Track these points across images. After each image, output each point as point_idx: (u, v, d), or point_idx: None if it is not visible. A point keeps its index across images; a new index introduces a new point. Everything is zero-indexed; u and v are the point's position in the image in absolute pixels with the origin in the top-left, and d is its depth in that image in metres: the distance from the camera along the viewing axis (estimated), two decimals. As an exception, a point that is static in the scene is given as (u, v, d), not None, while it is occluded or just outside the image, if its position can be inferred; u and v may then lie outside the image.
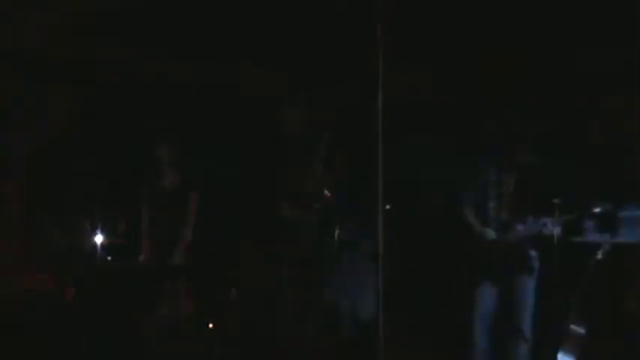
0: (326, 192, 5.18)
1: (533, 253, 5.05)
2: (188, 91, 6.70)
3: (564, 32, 5.76)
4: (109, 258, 5.56)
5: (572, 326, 5.27)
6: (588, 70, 6.11)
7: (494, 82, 6.63)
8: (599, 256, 5.25)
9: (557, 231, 4.45)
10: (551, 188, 4.43)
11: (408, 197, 6.85)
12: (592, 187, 4.66)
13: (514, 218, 5.01)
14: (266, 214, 5.29)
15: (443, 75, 6.91)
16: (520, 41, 5.95)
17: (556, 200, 4.39)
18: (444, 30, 5.76)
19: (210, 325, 5.59)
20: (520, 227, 4.99)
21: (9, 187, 5.93)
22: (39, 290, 5.78)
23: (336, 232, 5.30)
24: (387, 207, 6.38)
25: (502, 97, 6.35)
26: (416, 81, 6.88)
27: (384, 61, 3.47)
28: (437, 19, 5.56)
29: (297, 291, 5.33)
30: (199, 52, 6.59)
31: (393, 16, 3.49)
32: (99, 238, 5.43)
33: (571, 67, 6.21)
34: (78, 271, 5.28)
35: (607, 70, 6.01)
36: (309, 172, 5.25)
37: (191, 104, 6.74)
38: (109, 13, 5.54)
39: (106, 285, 5.40)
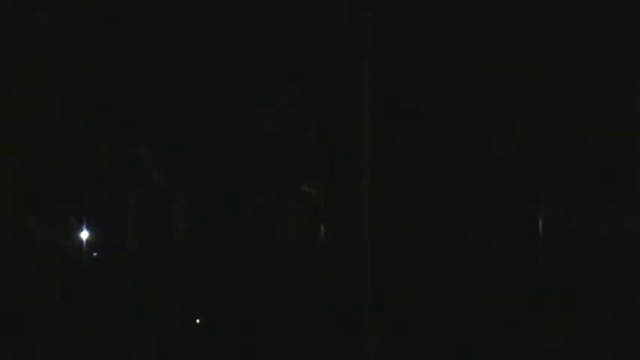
0: (310, 187, 5.20)
1: (519, 243, 5.12)
2: (173, 89, 6.70)
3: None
4: (95, 254, 5.56)
5: (558, 313, 5.36)
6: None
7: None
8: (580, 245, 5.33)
9: (542, 221, 4.49)
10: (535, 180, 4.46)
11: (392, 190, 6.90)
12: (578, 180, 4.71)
13: (500, 209, 5.07)
14: (251, 210, 5.31)
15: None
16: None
17: (540, 191, 4.43)
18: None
19: (198, 321, 5.61)
20: (506, 218, 5.06)
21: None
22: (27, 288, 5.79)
23: (321, 226, 5.32)
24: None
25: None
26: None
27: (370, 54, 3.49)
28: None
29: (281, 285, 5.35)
30: (181, 50, 6.59)
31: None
32: (85, 234, 5.42)
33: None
34: (64, 268, 5.27)
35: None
36: (293, 167, 5.27)
37: (175, 102, 6.74)
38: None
39: (93, 281, 5.40)
